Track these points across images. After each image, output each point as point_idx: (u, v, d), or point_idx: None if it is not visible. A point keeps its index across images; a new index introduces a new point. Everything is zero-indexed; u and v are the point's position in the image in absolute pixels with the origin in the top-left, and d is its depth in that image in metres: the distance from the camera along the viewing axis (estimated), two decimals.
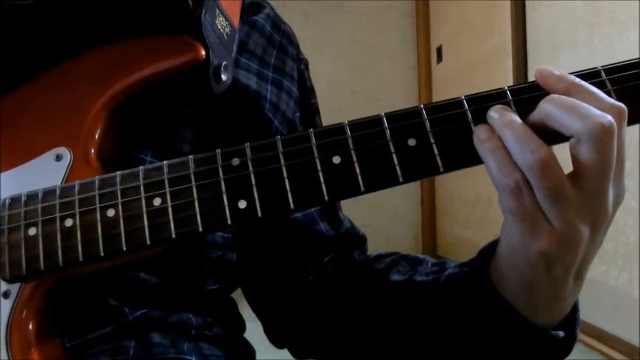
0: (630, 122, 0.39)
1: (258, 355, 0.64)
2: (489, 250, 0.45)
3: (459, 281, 0.48)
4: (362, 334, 0.54)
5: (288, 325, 0.61)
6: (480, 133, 0.40)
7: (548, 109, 0.39)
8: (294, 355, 0.62)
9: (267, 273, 0.61)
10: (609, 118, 0.37)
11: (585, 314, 0.46)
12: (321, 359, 0.59)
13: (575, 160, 0.38)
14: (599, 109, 0.37)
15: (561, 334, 0.43)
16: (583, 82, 0.40)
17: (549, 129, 0.39)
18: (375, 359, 0.55)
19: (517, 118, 0.39)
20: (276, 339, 0.62)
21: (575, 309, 0.44)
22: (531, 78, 0.41)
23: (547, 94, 0.40)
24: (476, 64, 3.02)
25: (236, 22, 0.56)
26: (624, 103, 0.38)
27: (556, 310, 0.43)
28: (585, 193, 0.38)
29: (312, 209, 0.60)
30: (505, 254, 0.42)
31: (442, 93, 3.57)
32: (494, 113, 0.40)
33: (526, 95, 0.41)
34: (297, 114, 0.63)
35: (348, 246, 0.62)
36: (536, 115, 0.39)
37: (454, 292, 0.47)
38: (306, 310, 0.58)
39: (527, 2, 2.48)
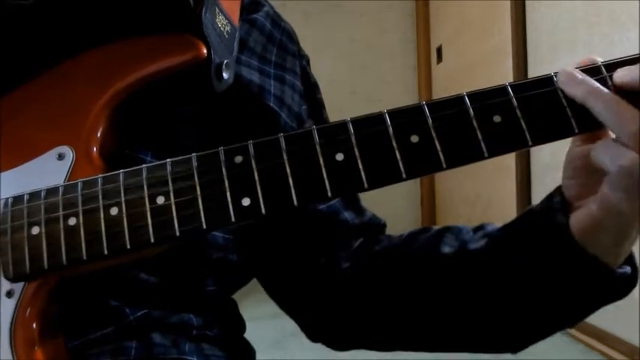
0: None
1: (258, 355, 0.64)
2: (561, 209, 0.44)
3: (536, 240, 0.46)
4: (416, 312, 0.53)
5: (326, 318, 0.59)
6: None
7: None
8: (333, 348, 0.60)
9: (296, 269, 0.60)
10: None
11: None
12: (366, 347, 0.58)
13: None
14: None
15: (628, 270, 0.44)
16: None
17: None
18: (432, 336, 0.54)
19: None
20: (314, 333, 0.61)
21: None
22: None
23: (549, 90, 0.40)
24: (476, 64, 3.02)
25: (236, 20, 0.56)
26: (624, 99, 0.39)
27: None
28: None
29: (334, 200, 0.59)
30: (609, 225, 0.40)
31: (442, 93, 3.57)
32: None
33: (528, 93, 0.41)
34: (304, 107, 0.62)
35: (374, 232, 0.62)
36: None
37: (531, 249, 0.46)
38: (344, 298, 0.56)
39: (527, 2, 2.47)
